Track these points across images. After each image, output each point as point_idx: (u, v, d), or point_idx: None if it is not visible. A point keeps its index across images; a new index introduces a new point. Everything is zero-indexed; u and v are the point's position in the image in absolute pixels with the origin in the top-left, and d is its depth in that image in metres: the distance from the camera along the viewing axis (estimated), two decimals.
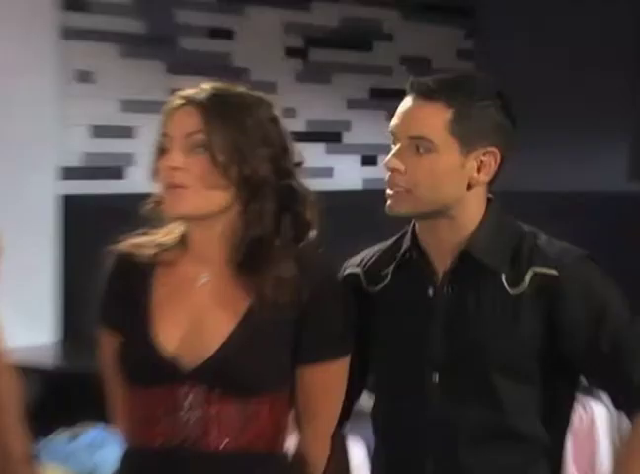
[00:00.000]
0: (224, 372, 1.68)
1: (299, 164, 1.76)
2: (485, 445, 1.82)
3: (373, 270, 1.93)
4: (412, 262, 1.88)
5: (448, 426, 1.83)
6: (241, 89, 1.79)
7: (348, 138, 4.86)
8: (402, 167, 1.77)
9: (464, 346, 1.80)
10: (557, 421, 1.87)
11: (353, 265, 1.95)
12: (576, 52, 5.01)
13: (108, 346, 1.84)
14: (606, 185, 4.99)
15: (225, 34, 4.34)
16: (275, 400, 1.72)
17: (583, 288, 1.80)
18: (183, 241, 1.75)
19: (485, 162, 1.79)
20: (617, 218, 4.49)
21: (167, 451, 1.68)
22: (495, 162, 1.80)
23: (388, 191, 1.82)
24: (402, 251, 1.89)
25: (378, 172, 4.47)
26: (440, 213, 1.80)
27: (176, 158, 1.65)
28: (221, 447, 1.69)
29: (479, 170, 1.78)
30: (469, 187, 1.78)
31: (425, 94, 1.79)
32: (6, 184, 3.60)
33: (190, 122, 1.66)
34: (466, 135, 1.77)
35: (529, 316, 1.79)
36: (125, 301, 1.80)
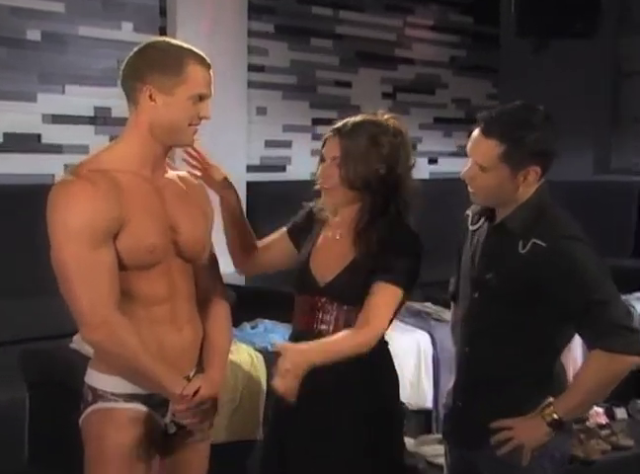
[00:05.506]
0: (333, 291, 2.49)
1: (412, 166, 2.44)
2: (499, 333, 2.43)
3: (475, 215, 2.55)
4: (491, 218, 2.48)
5: (479, 322, 2.47)
6: (373, 119, 2.42)
7: (420, 147, 6.75)
8: (470, 178, 2.38)
9: (493, 278, 2.43)
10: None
11: (470, 208, 2.58)
12: (561, 85, 7.06)
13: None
14: (576, 176, 6.86)
15: (345, 84, 6.56)
16: (358, 307, 2.44)
17: (561, 260, 2.29)
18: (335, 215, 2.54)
19: (528, 177, 2.35)
20: (584, 203, 5.02)
21: (307, 331, 2.49)
22: (537, 175, 2.34)
23: (468, 187, 2.42)
24: (488, 209, 2.48)
25: (439, 168, 7.13)
26: (501, 204, 2.41)
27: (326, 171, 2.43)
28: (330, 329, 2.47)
29: (524, 180, 2.36)
30: (517, 190, 2.36)
31: (484, 131, 2.33)
32: None
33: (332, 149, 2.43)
34: (514, 162, 2.30)
35: (528, 269, 2.34)
36: (305, 235, 2.64)
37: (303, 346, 2.30)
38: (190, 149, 2.49)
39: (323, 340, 2.41)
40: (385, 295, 2.39)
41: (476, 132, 2.37)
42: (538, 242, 2.31)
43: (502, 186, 2.35)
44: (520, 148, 2.30)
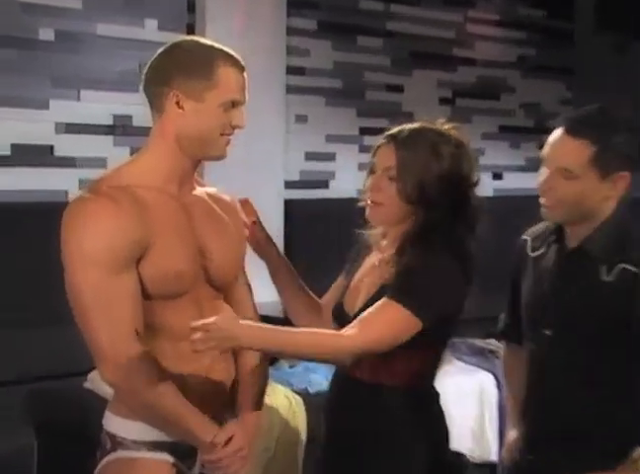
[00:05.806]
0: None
1: (476, 182, 2.39)
2: (577, 374, 2.41)
3: (535, 240, 2.56)
4: (559, 242, 2.48)
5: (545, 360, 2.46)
6: (432, 126, 2.41)
7: (482, 160, 6.24)
8: (550, 189, 2.37)
9: (568, 310, 2.41)
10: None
11: (527, 233, 2.59)
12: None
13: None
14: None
15: (397, 88, 6.56)
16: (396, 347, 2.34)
17: None
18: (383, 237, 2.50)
19: (618, 184, 2.37)
20: None
21: (345, 374, 2.45)
22: (625, 182, 2.37)
23: (542, 201, 2.41)
24: (555, 232, 2.49)
25: (504, 184, 7.06)
26: (580, 220, 2.40)
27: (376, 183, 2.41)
28: None
29: (613, 188, 2.37)
30: (603, 202, 2.38)
31: (572, 131, 2.33)
32: (251, 192, 4.17)
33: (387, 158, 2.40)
34: (604, 166, 2.32)
35: (614, 299, 2.35)
36: (355, 263, 2.61)
37: (250, 323, 2.10)
38: (243, 201, 2.51)
39: (281, 328, 2.17)
40: (382, 311, 2.28)
41: (559, 133, 2.36)
42: (628, 267, 2.33)
43: (588, 196, 2.35)
44: (612, 150, 2.31)
